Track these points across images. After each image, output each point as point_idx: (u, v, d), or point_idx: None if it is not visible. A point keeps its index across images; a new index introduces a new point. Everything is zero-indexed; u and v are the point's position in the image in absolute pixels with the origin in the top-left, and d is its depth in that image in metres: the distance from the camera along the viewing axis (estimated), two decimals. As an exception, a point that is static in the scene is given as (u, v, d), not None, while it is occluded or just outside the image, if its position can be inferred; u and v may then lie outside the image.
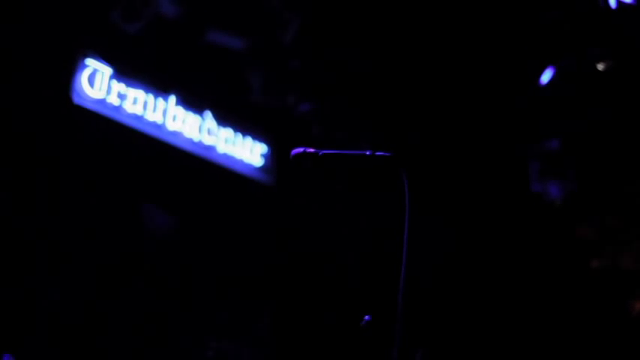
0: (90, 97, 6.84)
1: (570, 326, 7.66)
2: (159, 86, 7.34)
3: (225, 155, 7.68)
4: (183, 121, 7.43)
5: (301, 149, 2.97)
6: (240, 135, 7.91)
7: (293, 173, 7.59)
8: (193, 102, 7.57)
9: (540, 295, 7.76)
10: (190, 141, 7.45)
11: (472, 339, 7.79)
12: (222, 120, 7.76)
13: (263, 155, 8.03)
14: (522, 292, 7.83)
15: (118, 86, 7.05)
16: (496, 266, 7.89)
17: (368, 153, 2.89)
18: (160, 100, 7.32)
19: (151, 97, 7.26)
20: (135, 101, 7.14)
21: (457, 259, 7.87)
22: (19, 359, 5.15)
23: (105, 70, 6.96)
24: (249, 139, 7.98)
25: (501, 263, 7.90)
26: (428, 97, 7.77)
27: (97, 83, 6.89)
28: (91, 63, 6.90)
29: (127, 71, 7.14)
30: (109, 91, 6.97)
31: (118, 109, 7.03)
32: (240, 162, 7.84)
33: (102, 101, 6.92)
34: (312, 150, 2.96)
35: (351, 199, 7.93)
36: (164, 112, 7.32)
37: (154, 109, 7.25)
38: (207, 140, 7.53)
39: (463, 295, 7.87)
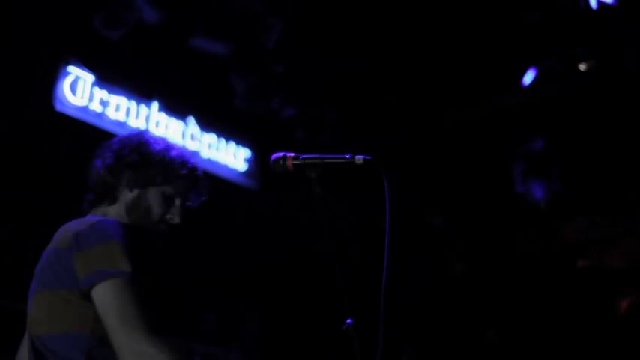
0: (72, 104, 6.82)
1: (558, 325, 7.67)
2: (141, 92, 7.34)
3: (209, 160, 7.67)
4: (167, 127, 7.42)
5: (281, 154, 2.96)
6: (223, 140, 7.92)
7: (277, 177, 7.59)
8: (176, 107, 7.56)
9: (527, 294, 7.77)
10: (174, 147, 7.42)
11: (459, 339, 7.80)
12: (206, 125, 7.76)
13: (247, 160, 8.04)
14: (509, 291, 7.84)
15: (101, 93, 7.03)
16: (483, 266, 7.90)
17: (348, 157, 2.89)
18: (143, 106, 7.31)
19: (133, 104, 7.25)
20: (118, 108, 7.12)
21: (443, 259, 7.88)
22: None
23: (87, 77, 6.94)
24: (232, 145, 7.98)
25: (488, 263, 7.91)
26: (412, 99, 7.77)
27: (80, 90, 6.88)
28: (73, 70, 6.88)
29: (109, 78, 7.13)
30: (91, 98, 6.95)
31: (101, 115, 7.02)
32: (225, 167, 7.83)
33: (84, 108, 6.90)
34: (292, 154, 2.95)
35: (336, 202, 7.92)
36: (147, 118, 7.31)
37: (137, 116, 7.24)
38: (191, 146, 7.51)
39: (450, 295, 7.88)
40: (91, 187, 3.20)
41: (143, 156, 3.16)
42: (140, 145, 3.19)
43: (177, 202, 3.20)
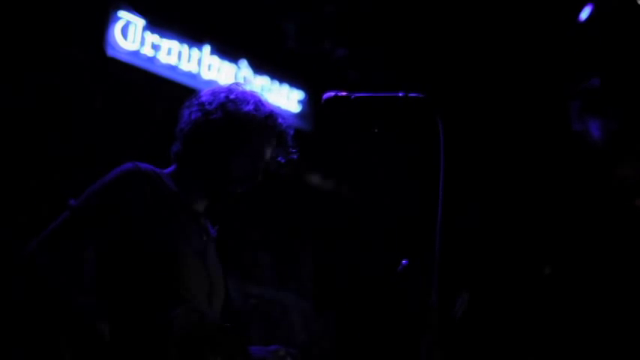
0: (124, 49, 6.82)
1: (616, 266, 7.59)
2: (193, 36, 7.32)
3: (262, 103, 7.64)
4: (219, 70, 7.41)
5: (333, 93, 2.92)
6: (276, 82, 7.89)
7: (330, 119, 7.57)
8: (228, 50, 7.53)
9: (583, 234, 7.69)
10: (226, 90, 7.42)
11: (516, 282, 7.75)
12: (258, 68, 7.73)
13: (300, 102, 8.01)
14: (566, 232, 7.77)
15: (152, 37, 7.03)
16: (538, 208, 7.82)
17: (401, 95, 2.84)
18: (195, 49, 7.30)
19: (185, 47, 7.24)
20: (169, 52, 7.12)
21: (497, 200, 7.81)
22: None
23: (138, 22, 6.93)
24: (285, 87, 7.95)
25: (543, 205, 7.83)
26: (465, 38, 7.67)
27: (131, 35, 6.87)
28: (124, 15, 6.86)
29: (160, 22, 7.11)
30: (142, 43, 6.95)
31: (153, 60, 7.01)
32: (278, 109, 7.80)
33: (136, 53, 6.91)
34: (343, 93, 2.91)
35: (388, 143, 7.89)
36: (199, 62, 7.30)
37: (189, 59, 7.23)
38: (244, 89, 7.47)
39: (505, 236, 7.83)
40: (177, 138, 3.15)
41: (228, 114, 3.08)
42: (227, 102, 3.12)
43: (259, 163, 3.14)
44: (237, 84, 3.21)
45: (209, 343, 2.77)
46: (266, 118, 3.13)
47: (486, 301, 7.30)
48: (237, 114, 3.08)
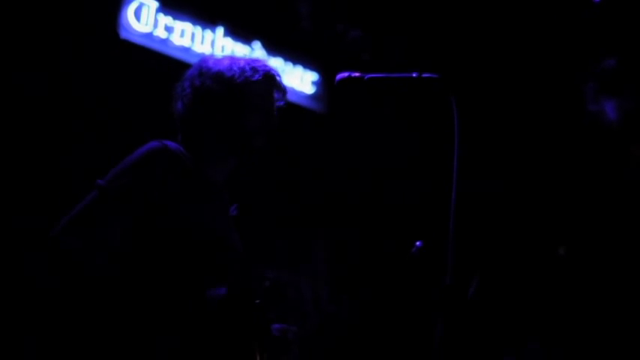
0: (137, 32, 6.82)
1: (633, 247, 7.57)
2: (206, 18, 7.31)
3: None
4: (232, 52, 7.39)
5: (346, 74, 2.92)
6: (290, 64, 7.88)
7: (344, 100, 7.56)
8: (242, 32, 7.52)
9: (599, 215, 7.67)
10: (240, 71, 7.41)
11: (531, 265, 7.74)
12: (272, 49, 7.71)
13: (314, 83, 8.00)
14: (581, 213, 7.74)
15: (165, 19, 7.02)
16: (552, 188, 7.80)
17: (414, 75, 2.83)
18: (208, 31, 7.29)
19: (198, 29, 7.23)
20: (182, 34, 7.11)
21: (512, 181, 7.79)
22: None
23: (151, 4, 6.93)
24: (299, 68, 7.94)
25: (558, 185, 7.80)
26: (479, 17, 7.64)
27: (144, 17, 6.86)
28: (137, -3, 6.88)
29: (173, 4, 7.10)
30: (155, 25, 6.94)
31: (166, 42, 7.01)
32: (292, 90, 7.79)
33: (149, 35, 6.90)
34: (357, 74, 2.91)
35: (402, 124, 7.88)
36: (212, 44, 7.29)
37: (202, 41, 7.22)
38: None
39: (519, 216, 7.81)
40: (177, 128, 3.15)
41: (214, 80, 3.11)
42: (204, 70, 3.14)
43: (260, 120, 3.14)
44: (205, 56, 3.24)
45: (252, 318, 2.79)
46: (260, 71, 3.17)
47: (500, 282, 7.29)
48: (219, 76, 3.11)
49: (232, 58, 3.18)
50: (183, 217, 2.82)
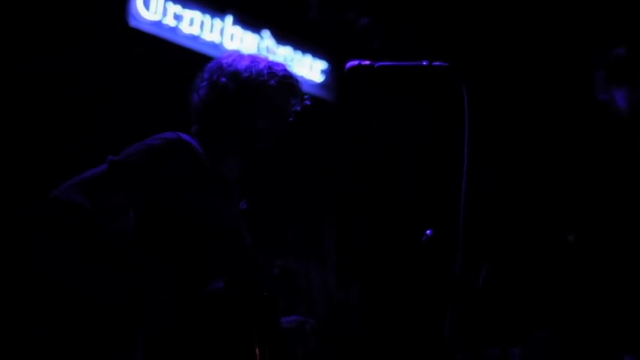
0: (146, 20, 6.81)
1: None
2: (215, 6, 7.30)
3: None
4: (241, 40, 7.39)
5: (356, 62, 2.91)
6: (299, 52, 7.87)
7: (354, 89, 7.54)
8: (251, 21, 7.51)
9: (608, 202, 7.65)
10: (249, 60, 7.40)
11: (541, 251, 7.73)
12: (281, 38, 7.70)
13: (323, 72, 7.99)
14: (591, 200, 7.73)
15: (174, 7, 7.01)
16: (562, 178, 7.79)
17: (425, 63, 2.82)
18: (217, 19, 7.28)
19: (207, 18, 7.21)
20: (191, 22, 7.10)
21: (521, 170, 7.78)
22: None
23: (160, -8, 6.93)
24: (308, 57, 7.93)
25: (568, 172, 7.79)
26: (489, 5, 7.62)
27: (153, 6, 6.85)
28: (146, -15, 6.86)
29: (182, -8, 7.11)
30: (164, 13, 6.93)
31: (175, 30, 7.00)
32: (301, 79, 7.77)
33: (158, 23, 6.89)
34: (367, 62, 2.90)
35: (412, 113, 7.87)
36: (221, 32, 7.28)
37: (211, 29, 7.21)
38: (266, 60, 7.45)
39: (529, 204, 7.80)
40: (192, 120, 3.16)
41: (230, 78, 3.10)
42: (224, 66, 3.13)
43: (270, 124, 3.14)
44: (229, 53, 3.23)
45: (251, 313, 2.78)
46: (278, 76, 3.16)
47: (510, 269, 7.28)
48: (238, 75, 3.11)
49: (254, 59, 3.16)
50: (190, 206, 2.82)
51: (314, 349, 3.17)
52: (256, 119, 3.07)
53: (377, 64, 2.89)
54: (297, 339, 3.08)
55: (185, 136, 2.97)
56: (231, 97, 3.06)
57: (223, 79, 3.08)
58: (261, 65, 3.14)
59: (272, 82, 3.11)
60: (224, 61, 3.16)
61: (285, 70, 3.20)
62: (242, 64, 3.13)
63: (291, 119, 3.22)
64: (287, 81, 3.18)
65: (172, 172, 2.81)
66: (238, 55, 3.19)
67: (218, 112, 3.07)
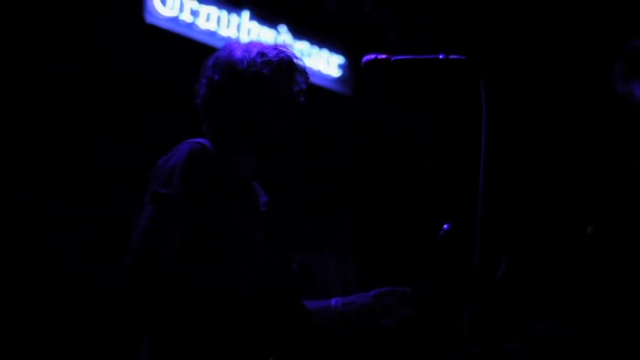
0: (162, 16, 6.81)
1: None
2: (232, 1, 7.30)
3: (302, 68, 7.63)
4: (258, 35, 7.38)
5: (373, 56, 2.90)
6: (316, 47, 7.87)
7: (371, 83, 7.54)
8: (267, 16, 7.51)
9: (627, 194, 7.62)
10: (266, 55, 7.41)
11: (562, 243, 7.71)
12: (298, 33, 7.70)
13: (340, 66, 7.99)
14: (609, 191, 7.70)
15: (191, 3, 7.01)
16: (581, 167, 7.76)
17: (441, 57, 2.81)
18: (234, 15, 7.28)
19: (224, 13, 7.22)
20: (208, 17, 7.10)
21: (541, 160, 7.76)
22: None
23: (177, -12, 6.94)
24: (325, 51, 7.93)
25: (586, 164, 7.76)
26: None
27: (169, 1, 6.86)
28: (163, -19, 6.87)
29: (198, -13, 7.11)
30: (181, 9, 6.93)
31: (192, 26, 7.00)
32: (318, 74, 7.78)
33: (175, 19, 6.90)
34: (383, 56, 2.89)
35: (429, 107, 7.86)
36: (238, 27, 7.29)
37: (228, 25, 7.22)
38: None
39: (549, 197, 7.78)
40: (202, 120, 3.13)
41: (222, 73, 3.04)
42: (217, 61, 3.10)
43: (275, 110, 3.09)
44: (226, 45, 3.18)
45: (274, 310, 2.79)
46: (272, 63, 3.04)
47: (528, 262, 7.27)
48: (233, 64, 3.03)
49: (247, 48, 3.05)
50: (213, 217, 2.81)
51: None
52: (259, 111, 3.00)
53: (394, 58, 2.88)
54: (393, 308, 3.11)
55: (206, 142, 2.94)
56: (227, 94, 3.00)
57: (217, 77, 3.02)
58: (254, 54, 3.03)
59: (266, 70, 3.01)
60: (217, 55, 3.09)
61: (279, 53, 3.06)
62: (235, 56, 3.02)
63: (301, 99, 3.08)
64: (282, 66, 3.04)
65: (207, 190, 2.81)
66: (233, 47, 3.10)
67: (219, 110, 3.02)
